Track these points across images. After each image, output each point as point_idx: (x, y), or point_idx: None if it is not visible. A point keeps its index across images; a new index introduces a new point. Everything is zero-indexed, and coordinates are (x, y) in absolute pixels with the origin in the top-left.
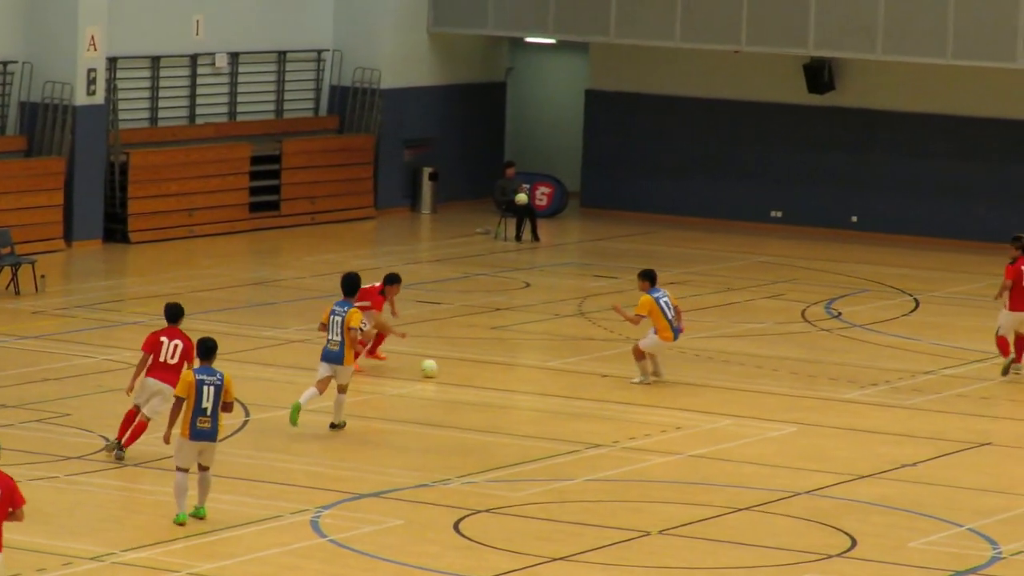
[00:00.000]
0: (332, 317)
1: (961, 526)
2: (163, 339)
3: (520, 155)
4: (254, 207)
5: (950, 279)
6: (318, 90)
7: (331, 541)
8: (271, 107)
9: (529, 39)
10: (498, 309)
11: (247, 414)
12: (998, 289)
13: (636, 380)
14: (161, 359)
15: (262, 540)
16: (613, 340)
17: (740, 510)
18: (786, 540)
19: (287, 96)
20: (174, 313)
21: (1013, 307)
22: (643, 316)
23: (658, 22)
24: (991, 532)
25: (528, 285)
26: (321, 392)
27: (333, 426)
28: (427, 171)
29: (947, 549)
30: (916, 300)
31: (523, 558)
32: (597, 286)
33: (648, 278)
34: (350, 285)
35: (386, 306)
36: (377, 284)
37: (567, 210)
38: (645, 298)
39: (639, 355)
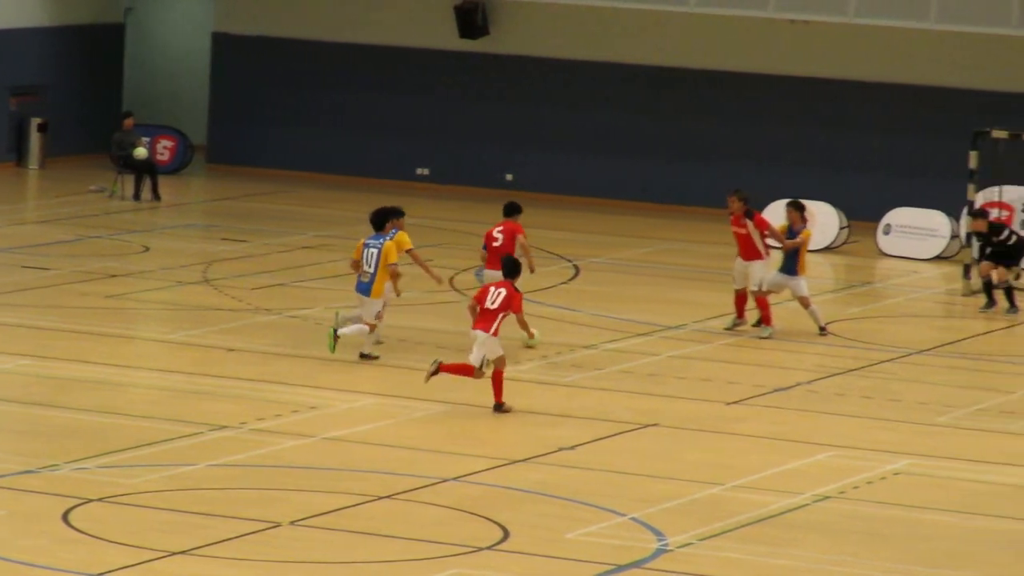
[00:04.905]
0: (366, 250)
1: (624, 515)
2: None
3: (139, 105)
4: None
5: (614, 243)
6: None
7: None
8: None
9: None
10: (114, 276)
11: None
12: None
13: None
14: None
15: None
16: (240, 310)
17: (381, 498)
18: (431, 531)
19: None
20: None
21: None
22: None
23: None
24: (656, 522)
25: (147, 249)
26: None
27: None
28: (35, 122)
29: (608, 540)
30: (576, 267)
31: (140, 552)
32: (224, 251)
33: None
34: (380, 220)
35: None
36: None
37: (192, 166)
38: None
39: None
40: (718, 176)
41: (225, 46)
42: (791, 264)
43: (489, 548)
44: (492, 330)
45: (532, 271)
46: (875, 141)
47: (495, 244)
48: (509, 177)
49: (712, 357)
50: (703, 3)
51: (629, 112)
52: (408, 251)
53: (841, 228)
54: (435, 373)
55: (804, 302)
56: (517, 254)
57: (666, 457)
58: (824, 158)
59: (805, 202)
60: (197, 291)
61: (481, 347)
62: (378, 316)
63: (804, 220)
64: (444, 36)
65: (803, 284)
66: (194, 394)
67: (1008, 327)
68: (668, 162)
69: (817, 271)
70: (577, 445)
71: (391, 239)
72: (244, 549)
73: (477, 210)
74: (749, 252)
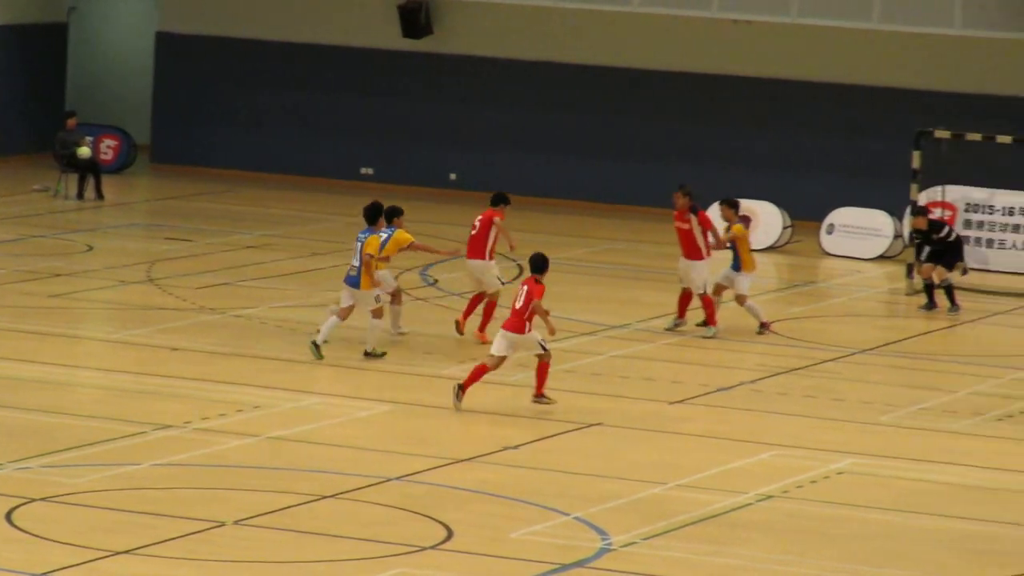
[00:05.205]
0: (356, 243)
1: (568, 515)
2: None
3: (83, 104)
4: None
5: (558, 243)
6: None
7: None
8: None
9: None
10: (58, 275)
11: None
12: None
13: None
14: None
15: None
16: (185, 310)
17: (325, 498)
18: (375, 531)
19: None
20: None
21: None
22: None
23: None
24: (600, 521)
25: (91, 248)
26: (343, 319)
27: (367, 354)
28: None
29: (552, 540)
30: (520, 266)
31: (84, 551)
32: (168, 250)
33: None
34: (372, 214)
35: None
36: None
37: (135, 165)
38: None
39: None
40: (661, 176)
41: (169, 45)
42: (735, 261)
43: (433, 547)
44: (525, 329)
45: (512, 248)
46: (818, 141)
47: (472, 232)
48: (453, 176)
49: (656, 356)
50: (646, 3)
51: (572, 112)
52: (410, 245)
53: (784, 228)
54: (462, 390)
55: (740, 299)
56: (492, 235)
57: (610, 456)
58: (767, 158)
59: (749, 202)
60: (141, 290)
61: (524, 347)
62: (382, 298)
63: (744, 219)
64: (387, 36)
65: (745, 281)
66: (138, 393)
67: (950, 326)
68: (611, 161)
69: (760, 270)
70: (521, 444)
71: (388, 236)
72: (188, 548)
73: (421, 209)
74: (691, 250)
